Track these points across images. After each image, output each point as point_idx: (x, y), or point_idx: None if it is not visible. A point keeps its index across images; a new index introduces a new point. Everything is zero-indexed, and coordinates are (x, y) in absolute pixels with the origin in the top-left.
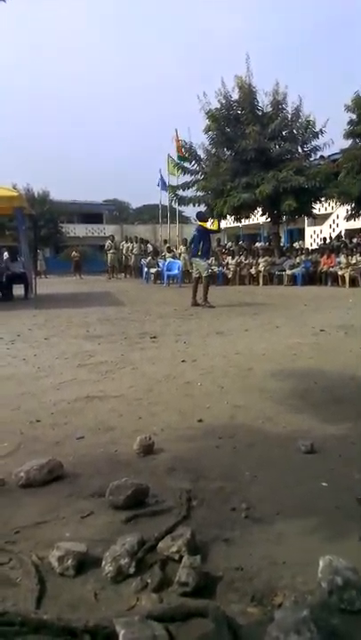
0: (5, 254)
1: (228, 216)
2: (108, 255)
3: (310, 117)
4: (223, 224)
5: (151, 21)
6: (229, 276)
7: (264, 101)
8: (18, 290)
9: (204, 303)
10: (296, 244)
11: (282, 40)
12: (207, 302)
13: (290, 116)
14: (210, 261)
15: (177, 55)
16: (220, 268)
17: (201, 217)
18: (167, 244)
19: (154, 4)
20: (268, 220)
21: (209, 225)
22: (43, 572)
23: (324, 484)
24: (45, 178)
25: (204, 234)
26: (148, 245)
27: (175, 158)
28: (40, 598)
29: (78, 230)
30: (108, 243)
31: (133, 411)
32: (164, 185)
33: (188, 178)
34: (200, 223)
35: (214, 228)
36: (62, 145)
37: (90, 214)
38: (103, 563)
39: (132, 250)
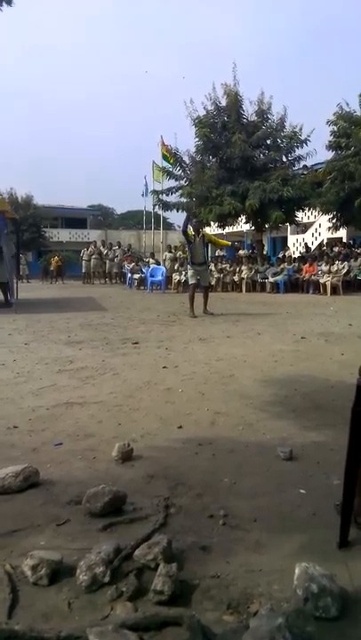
0: None
1: (212, 223)
2: (92, 261)
3: (296, 126)
4: (208, 231)
5: (135, 24)
6: (213, 282)
7: (249, 110)
8: None
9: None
10: (280, 254)
11: (269, 49)
12: (191, 311)
13: (275, 125)
14: (198, 269)
15: (163, 60)
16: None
17: (193, 225)
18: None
19: (149, 6)
20: (252, 227)
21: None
22: (16, 581)
23: (302, 490)
24: (30, 182)
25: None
26: (115, 250)
27: (160, 163)
28: (12, 608)
29: (62, 235)
30: (91, 248)
31: (113, 417)
32: (147, 192)
33: (173, 183)
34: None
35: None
36: (48, 149)
37: (74, 219)
38: (78, 571)
39: (113, 256)
